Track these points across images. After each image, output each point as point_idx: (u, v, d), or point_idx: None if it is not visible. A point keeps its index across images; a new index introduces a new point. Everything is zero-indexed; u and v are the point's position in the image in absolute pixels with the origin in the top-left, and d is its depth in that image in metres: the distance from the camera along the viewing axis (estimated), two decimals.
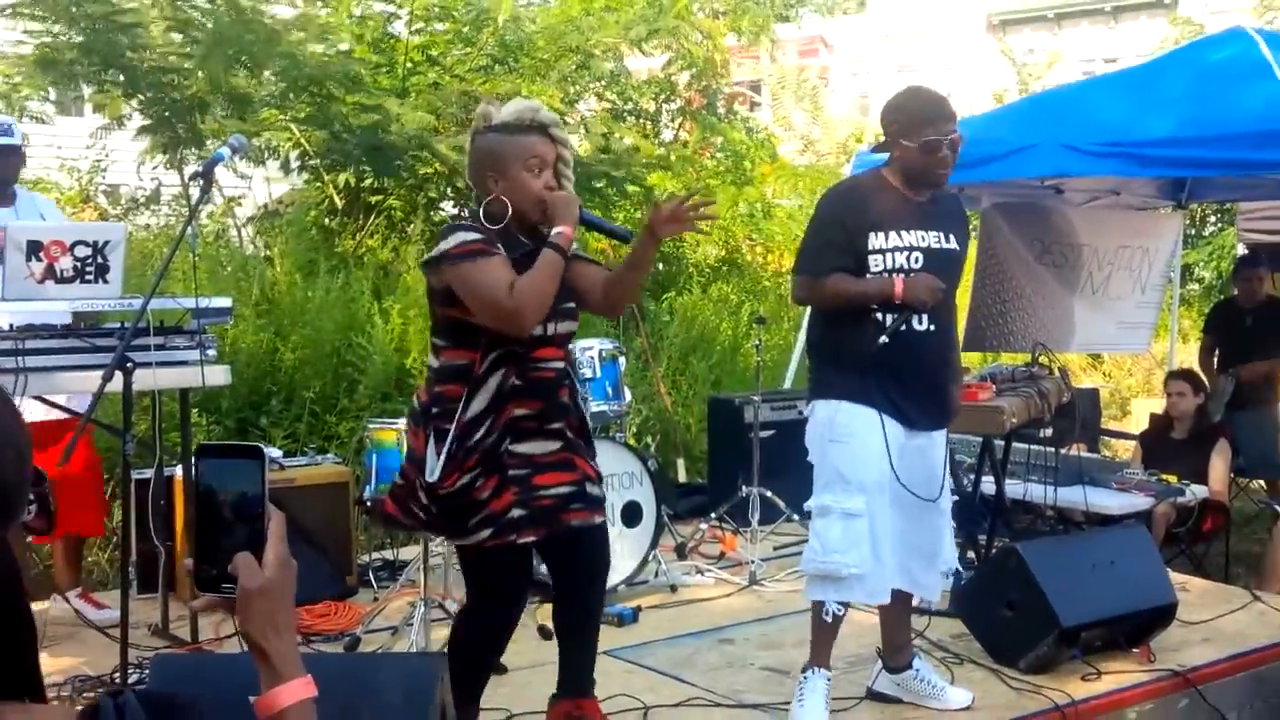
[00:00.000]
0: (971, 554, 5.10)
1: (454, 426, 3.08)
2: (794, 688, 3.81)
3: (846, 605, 3.74)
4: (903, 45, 29.72)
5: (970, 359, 7.20)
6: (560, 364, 3.24)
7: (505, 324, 3.04)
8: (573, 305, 3.28)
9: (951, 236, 3.76)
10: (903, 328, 3.61)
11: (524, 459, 3.14)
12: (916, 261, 3.64)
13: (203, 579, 1.36)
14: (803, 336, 6.96)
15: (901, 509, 3.71)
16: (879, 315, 3.62)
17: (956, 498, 4.07)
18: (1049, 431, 5.48)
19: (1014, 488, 5.60)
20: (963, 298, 9.88)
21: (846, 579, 3.62)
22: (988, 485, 5.27)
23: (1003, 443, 5.35)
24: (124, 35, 8.03)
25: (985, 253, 6.79)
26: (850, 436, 3.63)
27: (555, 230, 3.09)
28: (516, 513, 3.11)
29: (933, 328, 3.66)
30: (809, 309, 4.07)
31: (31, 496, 1.09)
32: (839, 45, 28.97)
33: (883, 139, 3.77)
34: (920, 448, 3.74)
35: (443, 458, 3.07)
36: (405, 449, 3.47)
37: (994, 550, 5.09)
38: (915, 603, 4.08)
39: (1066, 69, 19.03)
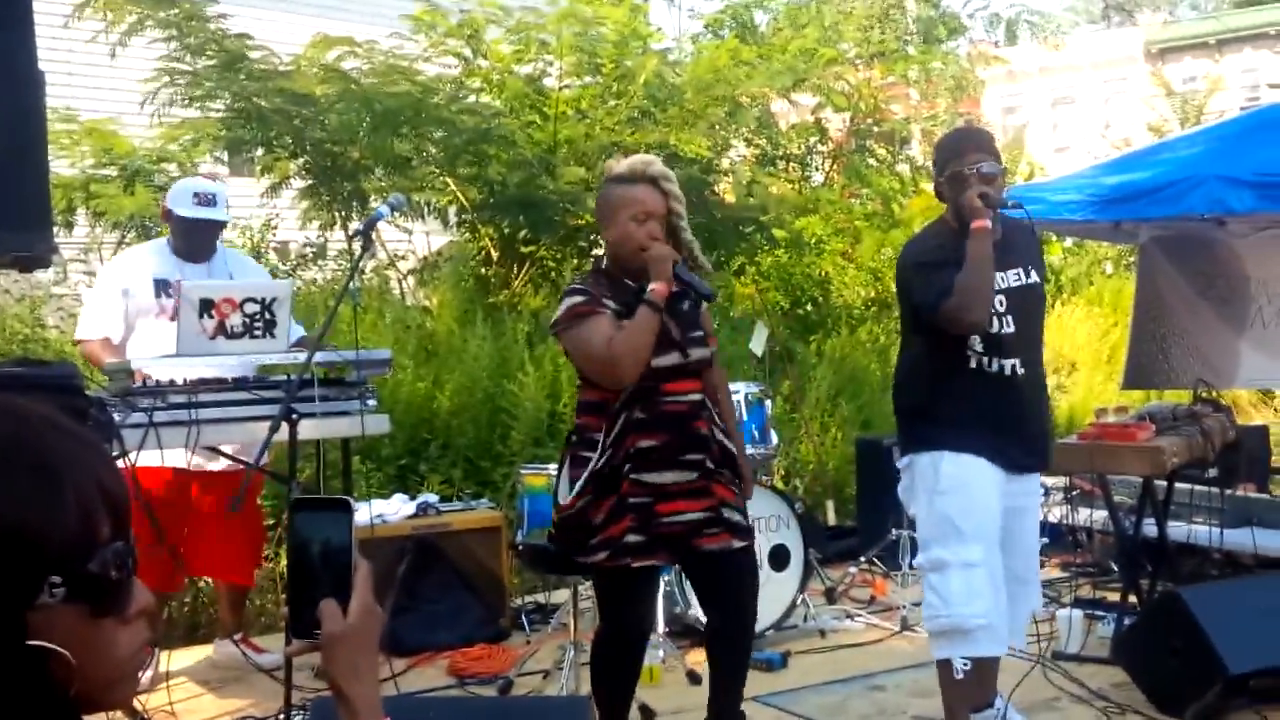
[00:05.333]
0: (1133, 599, 4.93)
1: (597, 452, 3.31)
2: None
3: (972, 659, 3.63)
4: (1057, 78, 29.10)
5: (1130, 397, 6.98)
6: (696, 396, 3.37)
7: (603, 379, 3.29)
8: (700, 334, 3.43)
9: (1032, 271, 3.69)
10: (994, 369, 3.57)
11: (649, 488, 3.28)
12: (1000, 305, 3.58)
13: (297, 626, 1.41)
14: None
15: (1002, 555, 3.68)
16: (974, 360, 3.59)
17: (1046, 540, 3.97)
18: (1214, 471, 5.29)
19: (1177, 530, 5.40)
20: (1121, 334, 9.62)
21: (973, 632, 3.55)
22: (1149, 528, 5.09)
23: (1164, 483, 5.17)
24: (297, 106, 8.47)
25: (1145, 288, 6.60)
26: (959, 486, 3.58)
27: (650, 287, 3.25)
28: (632, 538, 3.26)
29: (1021, 370, 3.61)
30: (897, 364, 4.00)
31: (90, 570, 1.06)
32: (991, 79, 28.49)
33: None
34: (1016, 493, 3.69)
35: (577, 483, 3.32)
36: None
37: (1156, 595, 4.91)
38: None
39: (1229, 96, 18.37)
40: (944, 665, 3.66)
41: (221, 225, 4.91)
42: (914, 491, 3.72)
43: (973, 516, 3.56)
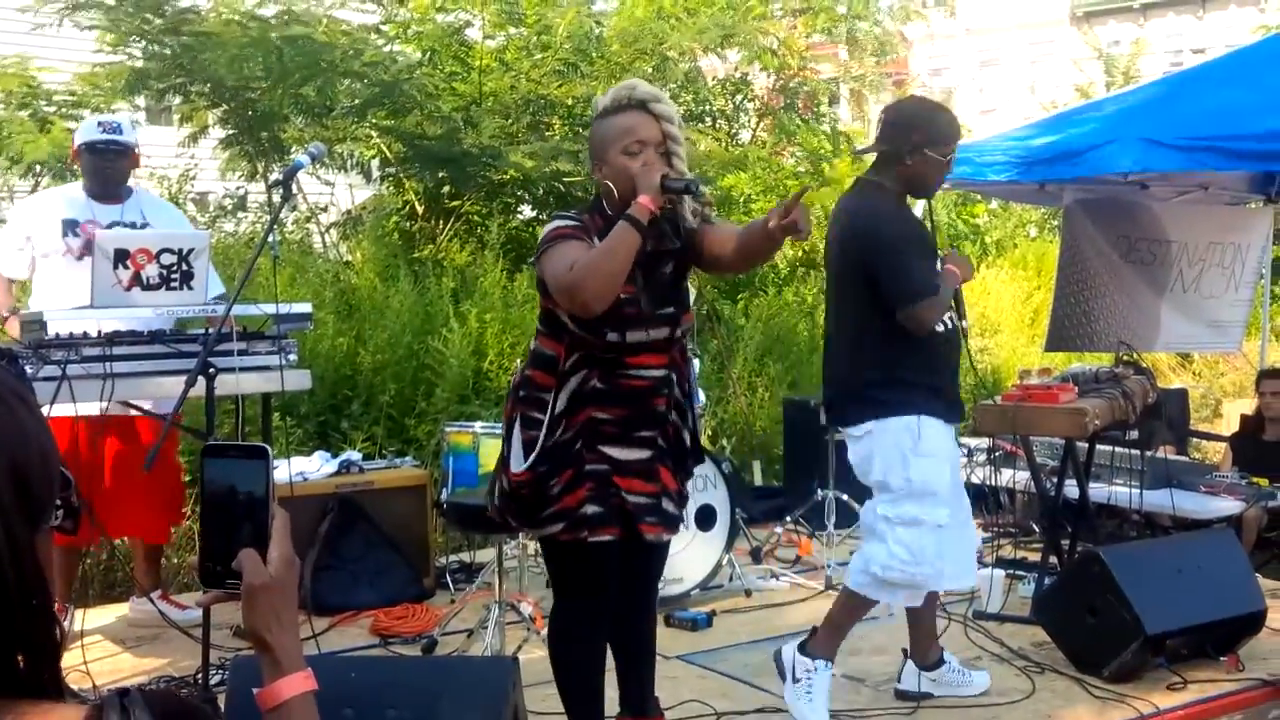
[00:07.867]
0: (1054, 559, 5.00)
1: (546, 419, 3.01)
2: (797, 677, 3.78)
3: None
4: (984, 39, 29.31)
5: (1053, 359, 7.06)
6: (660, 371, 3.07)
7: (566, 301, 2.89)
8: (673, 310, 3.09)
9: None
10: (950, 329, 3.74)
11: (605, 458, 3.04)
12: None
13: (208, 575, 1.39)
14: None
15: None
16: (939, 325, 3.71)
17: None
18: (1135, 434, 5.37)
19: (1098, 491, 5.48)
20: (1045, 297, 9.74)
21: (923, 590, 3.77)
22: (1071, 489, 5.16)
23: (1086, 445, 5.24)
24: (208, 51, 8.23)
25: (1068, 251, 6.65)
26: (935, 450, 3.68)
27: (634, 202, 2.87)
28: (590, 509, 3.01)
29: (962, 324, 3.83)
30: (839, 331, 3.87)
31: (58, 501, 1.16)
32: (918, 40, 28.62)
33: (884, 147, 3.69)
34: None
35: (536, 449, 3.01)
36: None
37: (1076, 556, 4.98)
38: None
39: (1153, 60, 18.62)
40: (861, 602, 3.81)
41: (126, 151, 4.78)
42: (883, 455, 3.66)
43: (946, 481, 3.71)
